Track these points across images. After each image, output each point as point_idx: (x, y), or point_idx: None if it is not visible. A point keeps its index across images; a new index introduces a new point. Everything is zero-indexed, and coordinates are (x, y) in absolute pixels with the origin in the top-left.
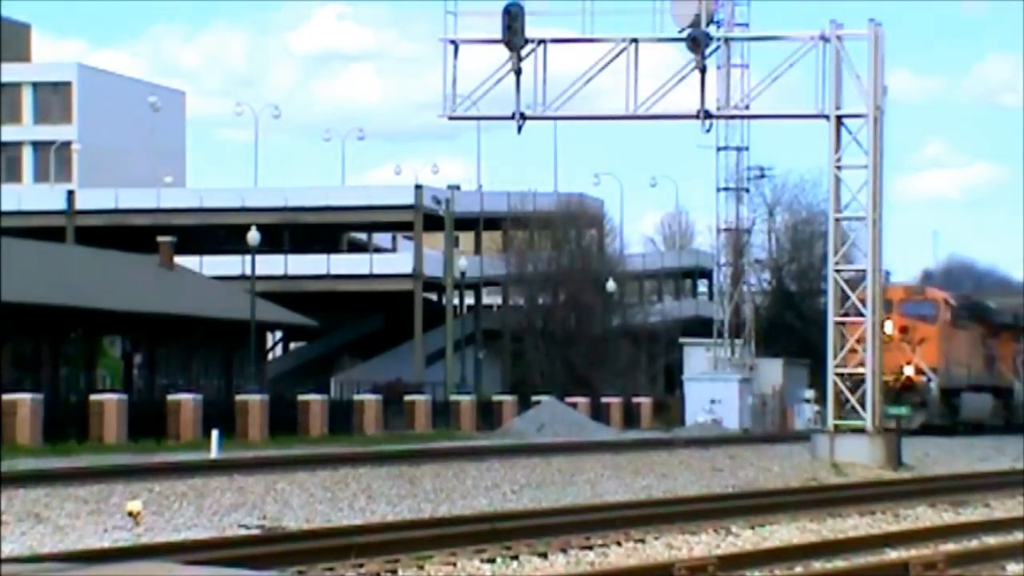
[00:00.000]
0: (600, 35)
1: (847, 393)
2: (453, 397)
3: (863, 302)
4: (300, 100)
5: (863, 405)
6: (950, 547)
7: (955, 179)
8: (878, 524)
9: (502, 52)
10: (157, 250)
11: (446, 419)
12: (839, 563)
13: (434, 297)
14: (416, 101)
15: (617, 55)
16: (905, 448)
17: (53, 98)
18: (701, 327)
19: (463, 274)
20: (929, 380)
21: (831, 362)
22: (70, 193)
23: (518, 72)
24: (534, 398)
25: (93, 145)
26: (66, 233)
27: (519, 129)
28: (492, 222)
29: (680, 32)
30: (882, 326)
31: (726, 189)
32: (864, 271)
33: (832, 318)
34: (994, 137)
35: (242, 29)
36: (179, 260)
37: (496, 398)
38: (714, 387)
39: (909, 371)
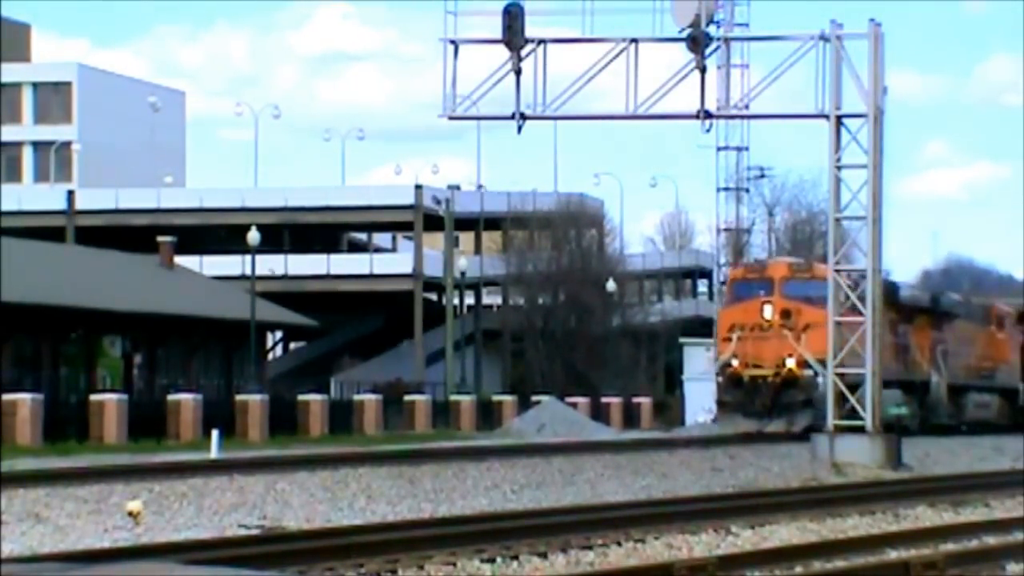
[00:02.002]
0: (600, 35)
1: (847, 393)
2: (453, 397)
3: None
4: (302, 100)
5: (863, 405)
6: (950, 547)
7: (956, 179)
8: (878, 524)
9: (502, 52)
10: (157, 250)
11: (446, 419)
12: (839, 563)
13: (434, 297)
14: (418, 101)
15: (617, 55)
16: (905, 448)
17: (53, 98)
18: (701, 327)
19: (463, 274)
20: (816, 375)
21: (831, 362)
22: (70, 193)
23: (518, 72)
24: (534, 398)
25: (93, 145)
26: (66, 233)
27: (519, 129)
28: (492, 222)
29: (680, 32)
30: (760, 310)
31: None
32: (864, 271)
33: (832, 318)
34: (996, 137)
35: (245, 29)
36: (179, 260)
37: (496, 398)
38: (714, 387)
39: (791, 363)
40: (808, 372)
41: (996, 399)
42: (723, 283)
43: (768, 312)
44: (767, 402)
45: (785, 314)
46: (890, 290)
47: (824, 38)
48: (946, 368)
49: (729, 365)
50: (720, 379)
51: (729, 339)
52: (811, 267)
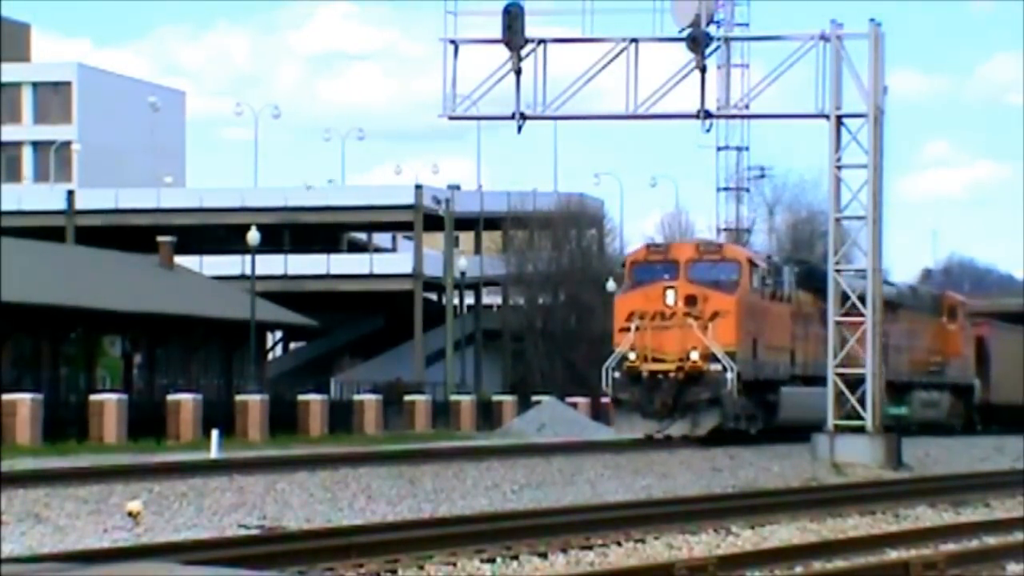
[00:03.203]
0: (600, 35)
1: (847, 393)
2: (453, 397)
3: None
4: (303, 100)
5: (863, 405)
6: (950, 547)
7: (958, 178)
8: (878, 524)
9: (502, 52)
10: (157, 250)
11: (446, 419)
12: (839, 563)
13: (434, 297)
14: (419, 101)
15: (617, 55)
16: (905, 448)
17: (53, 98)
18: None
19: (463, 274)
20: (725, 369)
21: (831, 362)
22: (70, 193)
23: (518, 72)
24: (534, 398)
25: (93, 145)
26: (66, 233)
27: (519, 129)
28: (492, 222)
29: (680, 32)
30: (662, 296)
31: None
32: (864, 271)
33: (832, 318)
34: (998, 136)
35: (246, 29)
36: (179, 260)
37: (496, 398)
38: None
39: (696, 357)
40: (715, 367)
41: (947, 397)
42: (622, 266)
43: (671, 298)
44: (668, 401)
45: (690, 300)
46: (819, 277)
47: (824, 38)
48: (887, 364)
49: (626, 359)
50: (616, 375)
51: (627, 329)
52: (721, 248)
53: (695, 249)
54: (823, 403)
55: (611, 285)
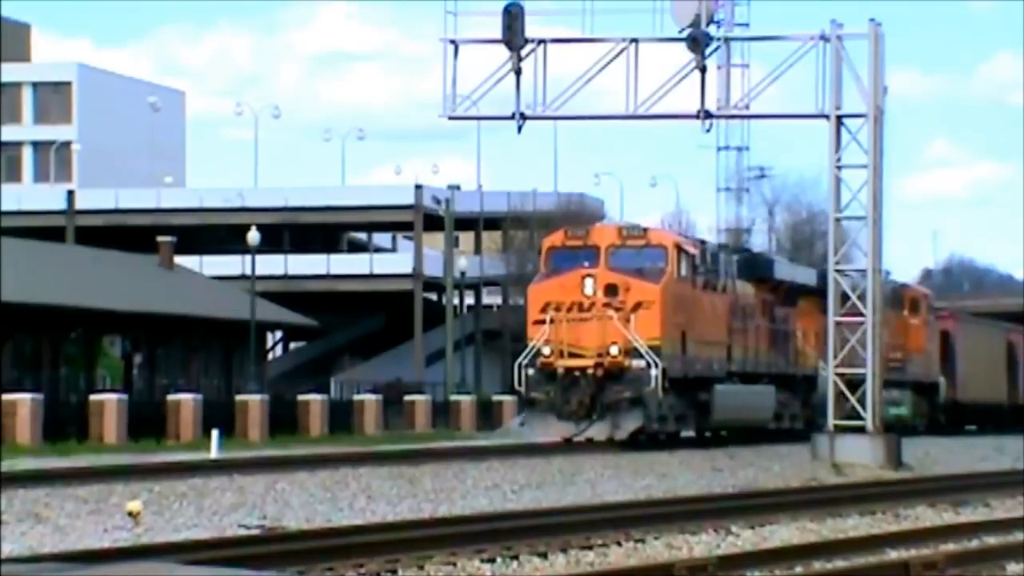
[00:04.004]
0: (600, 35)
1: (847, 392)
2: (453, 397)
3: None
4: (304, 100)
5: (863, 405)
6: (950, 547)
7: (959, 178)
8: (878, 524)
9: (502, 52)
10: (157, 250)
11: (446, 419)
12: (839, 563)
13: (434, 297)
14: (420, 101)
15: (617, 55)
16: (905, 448)
17: (53, 98)
18: None
19: (463, 274)
20: (649, 365)
21: (831, 362)
22: (70, 193)
23: (518, 72)
24: None
25: (93, 145)
26: (66, 233)
27: (519, 129)
28: (492, 222)
29: (680, 32)
30: (580, 285)
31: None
32: (864, 271)
33: (832, 318)
34: (999, 136)
35: (247, 28)
36: (179, 260)
37: (496, 398)
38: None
39: (616, 351)
40: (638, 362)
41: (908, 395)
42: (539, 252)
43: (589, 288)
44: (586, 400)
45: (610, 290)
46: (763, 266)
47: (824, 38)
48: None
49: (540, 354)
50: (529, 372)
51: (542, 322)
52: (646, 233)
53: (617, 234)
54: (763, 402)
55: None
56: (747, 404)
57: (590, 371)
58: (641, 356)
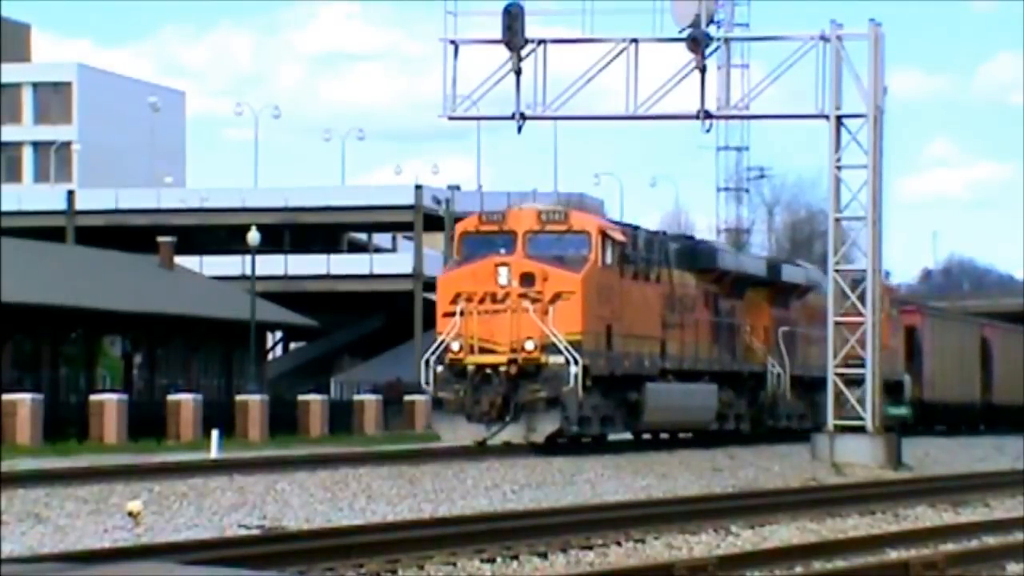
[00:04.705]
0: (600, 35)
1: (847, 393)
2: None
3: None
4: (306, 100)
5: (863, 405)
6: (950, 547)
7: (960, 178)
8: (878, 524)
9: (502, 52)
10: (157, 250)
11: None
12: (839, 563)
13: (434, 297)
14: (421, 101)
15: (617, 55)
16: (905, 448)
17: (53, 98)
18: None
19: None
20: (568, 362)
21: (831, 362)
22: (70, 193)
23: (518, 72)
24: None
25: (93, 145)
26: (66, 233)
27: (519, 129)
28: None
29: (680, 32)
30: (494, 274)
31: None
32: (864, 271)
33: (832, 318)
34: (1000, 136)
35: (248, 29)
36: (179, 260)
37: None
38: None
39: (532, 347)
40: (556, 359)
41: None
42: (451, 239)
43: (504, 277)
44: (498, 400)
45: (527, 279)
46: (705, 255)
47: (824, 38)
48: (792, 356)
49: (449, 350)
50: (438, 369)
51: (451, 314)
52: (567, 217)
53: (536, 218)
54: (703, 402)
55: None
56: (684, 404)
57: (503, 368)
58: (559, 352)
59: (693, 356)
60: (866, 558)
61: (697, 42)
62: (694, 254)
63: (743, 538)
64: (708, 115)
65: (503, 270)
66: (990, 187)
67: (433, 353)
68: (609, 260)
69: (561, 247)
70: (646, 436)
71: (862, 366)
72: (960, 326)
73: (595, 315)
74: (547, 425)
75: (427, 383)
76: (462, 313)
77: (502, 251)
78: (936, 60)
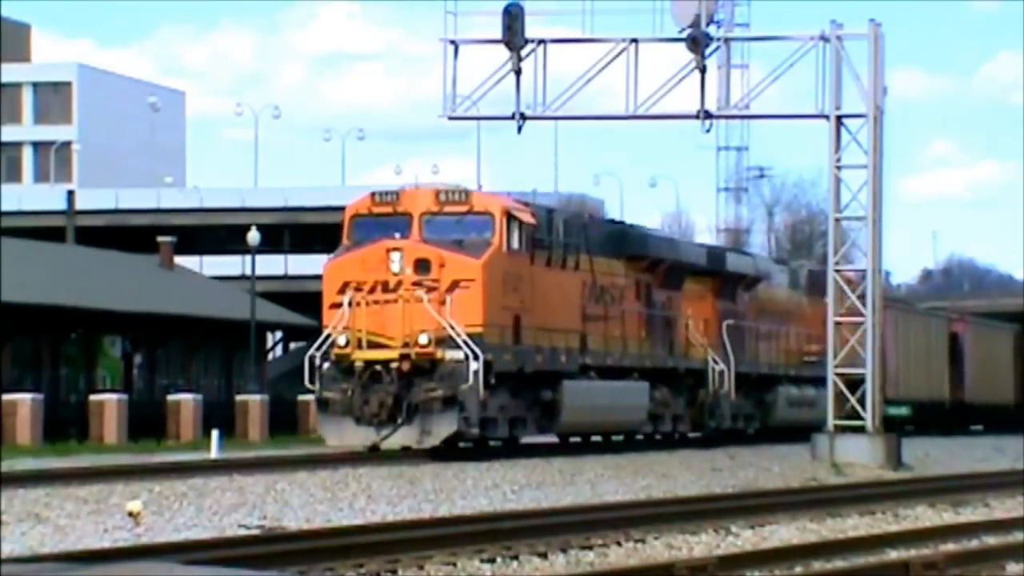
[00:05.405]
0: (600, 35)
1: (847, 393)
2: None
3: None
4: (306, 100)
5: (863, 405)
6: (950, 547)
7: (961, 178)
8: (878, 524)
9: (502, 52)
10: (157, 250)
11: None
12: (839, 563)
13: None
14: (422, 101)
15: (617, 55)
16: (905, 448)
17: (53, 98)
18: None
19: None
20: (467, 357)
21: (831, 362)
22: (70, 193)
23: (518, 72)
24: None
25: (93, 145)
26: (66, 233)
27: (519, 129)
28: None
29: (680, 32)
30: (385, 260)
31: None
32: (864, 271)
33: (832, 318)
34: (1001, 136)
35: (250, 28)
36: (179, 260)
37: None
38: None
39: (426, 340)
40: (454, 354)
41: (825, 394)
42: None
43: (396, 263)
44: (389, 400)
45: (422, 266)
46: (634, 240)
47: (824, 38)
48: (739, 351)
49: (335, 345)
50: (325, 366)
51: (339, 305)
52: (468, 197)
53: (434, 198)
54: (632, 401)
55: None
56: (609, 404)
57: (394, 365)
58: (458, 346)
59: (620, 351)
60: (866, 558)
61: (697, 42)
62: (622, 240)
63: (743, 538)
64: (708, 115)
65: (395, 256)
66: (990, 187)
67: (318, 349)
68: (516, 244)
69: (461, 230)
70: (576, 439)
71: (818, 364)
72: (926, 321)
73: (499, 305)
74: (443, 428)
75: (311, 382)
76: (350, 304)
77: (396, 235)
78: (936, 60)
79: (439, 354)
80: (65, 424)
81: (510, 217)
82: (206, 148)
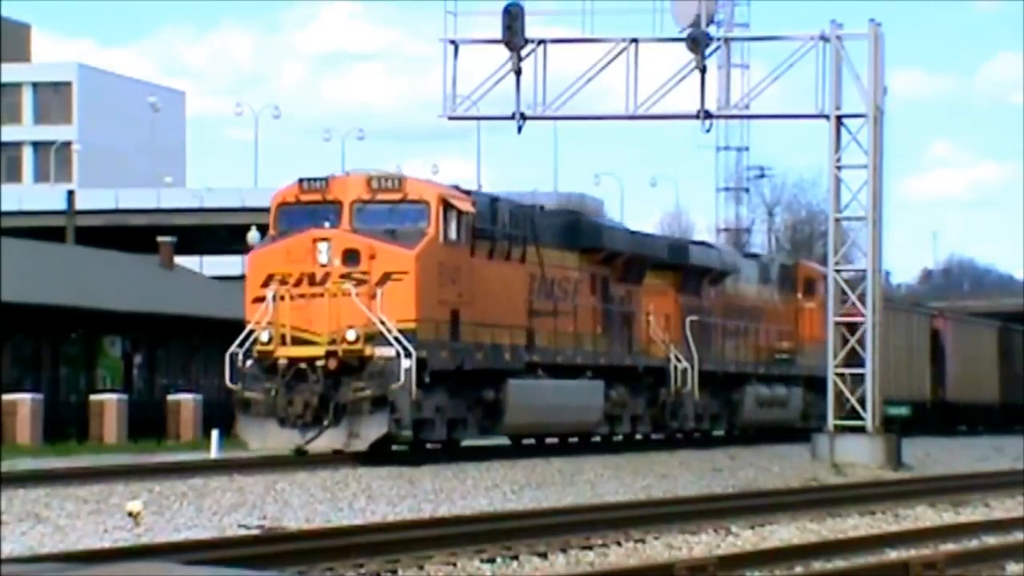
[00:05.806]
0: (600, 35)
1: (847, 393)
2: None
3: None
4: (307, 99)
5: (863, 405)
6: (950, 547)
7: (961, 178)
8: (878, 524)
9: (502, 52)
10: (157, 250)
11: None
12: (839, 563)
13: None
14: (423, 101)
15: (617, 55)
16: (905, 448)
17: (53, 98)
18: None
19: None
20: (399, 355)
21: (831, 362)
22: (70, 193)
23: (518, 72)
24: None
25: (93, 145)
26: (66, 233)
27: (519, 129)
28: None
29: (680, 32)
30: (312, 251)
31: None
32: (864, 271)
33: (832, 318)
34: (1002, 136)
35: (250, 28)
36: (179, 260)
37: None
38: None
39: (354, 336)
40: (384, 351)
41: (798, 393)
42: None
43: (324, 254)
44: (314, 401)
45: (351, 257)
46: (588, 232)
47: (824, 38)
48: (703, 349)
49: (257, 341)
50: (246, 364)
51: (262, 299)
52: (403, 183)
53: (366, 185)
54: (585, 401)
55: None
56: (559, 403)
57: (320, 363)
58: (388, 343)
59: (572, 348)
60: (866, 558)
61: (697, 42)
62: (575, 231)
63: (743, 538)
64: (708, 115)
65: (323, 246)
66: (991, 187)
67: (240, 345)
68: (455, 235)
69: (395, 219)
70: (530, 441)
71: (790, 361)
72: (906, 318)
73: (435, 299)
74: (373, 430)
75: (232, 381)
76: (274, 298)
77: (325, 224)
78: (937, 60)
79: (368, 351)
80: (65, 424)
81: (447, 205)
82: (206, 148)
